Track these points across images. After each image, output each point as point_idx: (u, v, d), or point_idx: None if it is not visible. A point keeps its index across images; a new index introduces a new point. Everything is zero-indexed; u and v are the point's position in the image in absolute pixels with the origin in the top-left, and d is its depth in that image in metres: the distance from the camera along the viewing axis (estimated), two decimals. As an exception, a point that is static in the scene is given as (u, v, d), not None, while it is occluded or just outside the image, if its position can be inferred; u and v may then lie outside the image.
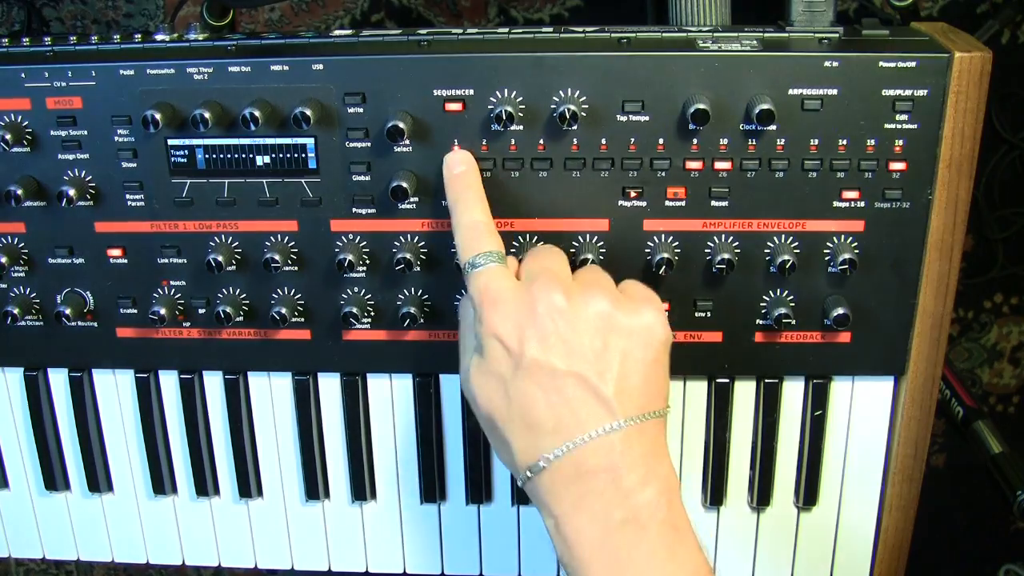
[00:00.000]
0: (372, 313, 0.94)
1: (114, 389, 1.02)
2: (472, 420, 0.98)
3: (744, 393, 0.97)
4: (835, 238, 0.89)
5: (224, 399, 1.01)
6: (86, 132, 0.89)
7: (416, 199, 0.89)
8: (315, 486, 1.03)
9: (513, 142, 0.87)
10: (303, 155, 0.88)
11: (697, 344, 0.93)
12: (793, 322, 0.90)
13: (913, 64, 0.82)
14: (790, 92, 0.84)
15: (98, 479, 1.05)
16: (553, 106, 0.85)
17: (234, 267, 0.93)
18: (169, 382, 1.01)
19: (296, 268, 0.93)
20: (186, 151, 0.89)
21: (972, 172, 0.86)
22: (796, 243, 0.89)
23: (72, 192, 0.89)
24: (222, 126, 0.87)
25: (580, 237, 0.90)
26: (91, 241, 0.93)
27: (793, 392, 0.97)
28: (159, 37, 0.91)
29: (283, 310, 0.92)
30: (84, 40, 0.91)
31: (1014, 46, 1.53)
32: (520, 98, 0.85)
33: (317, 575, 1.10)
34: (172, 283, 0.94)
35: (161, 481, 1.04)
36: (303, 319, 0.95)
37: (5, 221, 0.93)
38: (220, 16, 1.15)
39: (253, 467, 1.04)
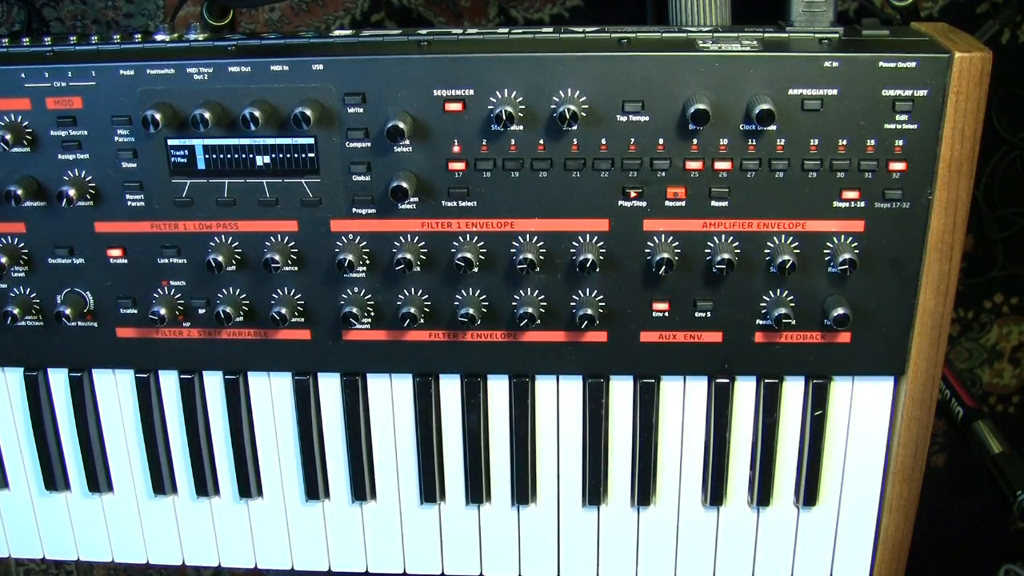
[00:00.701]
0: (372, 313, 0.94)
1: (114, 389, 1.02)
2: (472, 420, 0.98)
3: (744, 393, 0.97)
4: (835, 238, 0.89)
5: (224, 399, 1.01)
6: (86, 132, 0.89)
7: (416, 199, 0.89)
8: (315, 486, 1.03)
9: (513, 142, 0.87)
10: (303, 155, 0.88)
11: (697, 344, 0.93)
12: (793, 322, 0.90)
13: (913, 64, 0.82)
14: (790, 92, 0.84)
15: (98, 479, 1.05)
16: (553, 106, 0.85)
17: (234, 267, 0.93)
18: (169, 382, 1.01)
19: (296, 268, 0.93)
20: (186, 151, 0.89)
21: (972, 172, 0.86)
22: (796, 243, 0.89)
23: (72, 192, 0.89)
24: (222, 126, 0.87)
25: (580, 237, 0.90)
26: (91, 241, 0.93)
27: (793, 392, 0.97)
28: (159, 37, 0.91)
29: (283, 310, 0.92)
30: (84, 40, 0.91)
31: (1014, 46, 1.53)
32: (520, 98, 0.85)
33: (317, 575, 1.10)
34: (172, 283, 0.94)
35: (161, 481, 1.04)
36: (303, 319, 0.95)
37: (5, 221, 0.93)
38: (220, 16, 1.15)
39: (253, 467, 1.04)
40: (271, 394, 1.01)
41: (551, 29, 0.90)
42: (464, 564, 1.06)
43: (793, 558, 1.03)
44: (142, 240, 0.93)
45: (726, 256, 0.88)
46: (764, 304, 0.91)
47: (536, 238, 0.90)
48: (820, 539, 1.02)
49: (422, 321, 0.93)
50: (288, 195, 0.90)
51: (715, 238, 0.89)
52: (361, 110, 0.86)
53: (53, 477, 1.05)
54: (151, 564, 1.10)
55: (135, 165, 0.90)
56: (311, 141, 0.88)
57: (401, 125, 0.84)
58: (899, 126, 0.84)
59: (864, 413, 0.97)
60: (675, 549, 1.04)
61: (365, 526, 1.06)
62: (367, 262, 0.92)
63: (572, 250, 0.90)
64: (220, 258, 0.91)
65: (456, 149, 0.87)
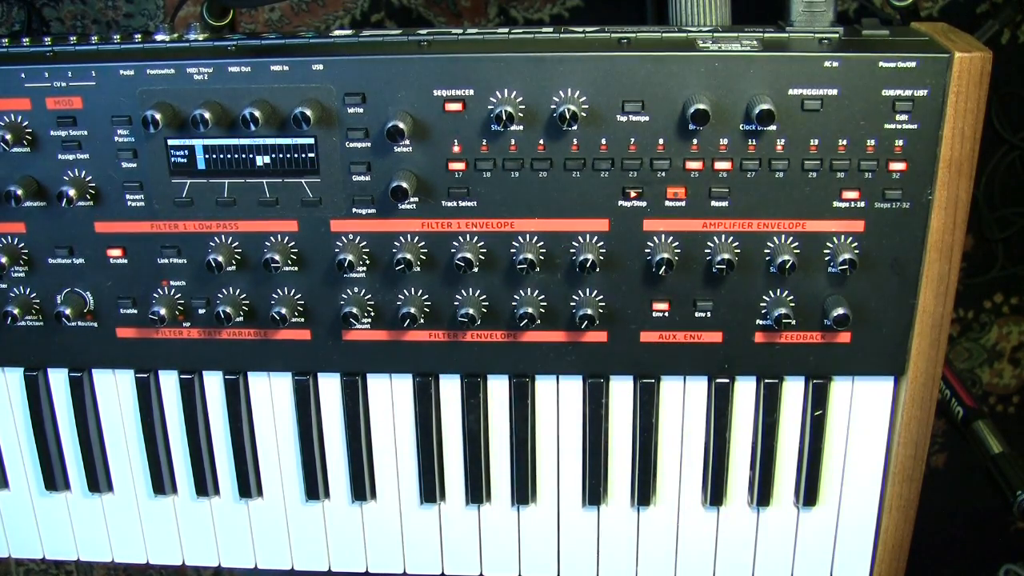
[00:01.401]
0: (372, 313, 0.94)
1: (114, 389, 1.02)
2: (472, 420, 0.98)
3: (744, 393, 0.97)
4: (835, 238, 0.89)
5: (224, 399, 1.01)
6: (86, 132, 0.89)
7: (416, 199, 0.89)
8: (315, 486, 1.03)
9: (513, 142, 0.87)
10: (303, 155, 0.88)
11: (697, 344, 0.93)
12: (793, 322, 0.90)
13: (913, 64, 0.82)
14: (790, 92, 0.84)
15: (98, 479, 1.05)
16: (553, 106, 0.85)
17: (234, 267, 0.93)
18: (169, 382, 1.01)
19: (296, 268, 0.93)
20: (186, 151, 0.89)
21: (972, 172, 0.86)
22: (796, 243, 0.89)
23: (72, 192, 0.89)
24: (222, 126, 0.87)
25: (580, 237, 0.90)
26: (91, 241, 0.93)
27: (793, 392, 0.97)
28: (159, 37, 0.91)
29: (283, 310, 0.92)
30: (84, 40, 0.91)
31: (1014, 46, 1.53)
32: (520, 98, 0.85)
33: (317, 575, 1.10)
34: (172, 283, 0.94)
35: (161, 481, 1.04)
36: (303, 319, 0.95)
37: (5, 221, 0.93)
38: (220, 16, 1.15)
39: (253, 467, 1.04)
40: (271, 394, 1.01)
41: (551, 29, 0.90)
42: (464, 564, 1.06)
43: (793, 558, 1.03)
44: (142, 240, 0.93)
45: (726, 256, 0.88)
46: (764, 304, 0.91)
47: (536, 238, 0.90)
48: (820, 539, 1.02)
49: (422, 321, 0.93)
50: (288, 195, 0.90)
51: (715, 238, 0.89)
52: (361, 110, 0.86)
53: (53, 477, 1.05)
54: (151, 564, 1.10)
55: (135, 165, 0.90)
56: (311, 141, 0.88)
57: (401, 125, 0.84)
58: (899, 126, 0.84)
59: (864, 413, 0.97)
60: (675, 549, 1.04)
61: (365, 526, 1.06)
62: (367, 262, 0.92)
63: (572, 250, 0.90)
64: (220, 258, 0.91)
65: (456, 149, 0.87)
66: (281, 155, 0.89)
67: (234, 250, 0.92)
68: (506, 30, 0.90)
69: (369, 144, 0.88)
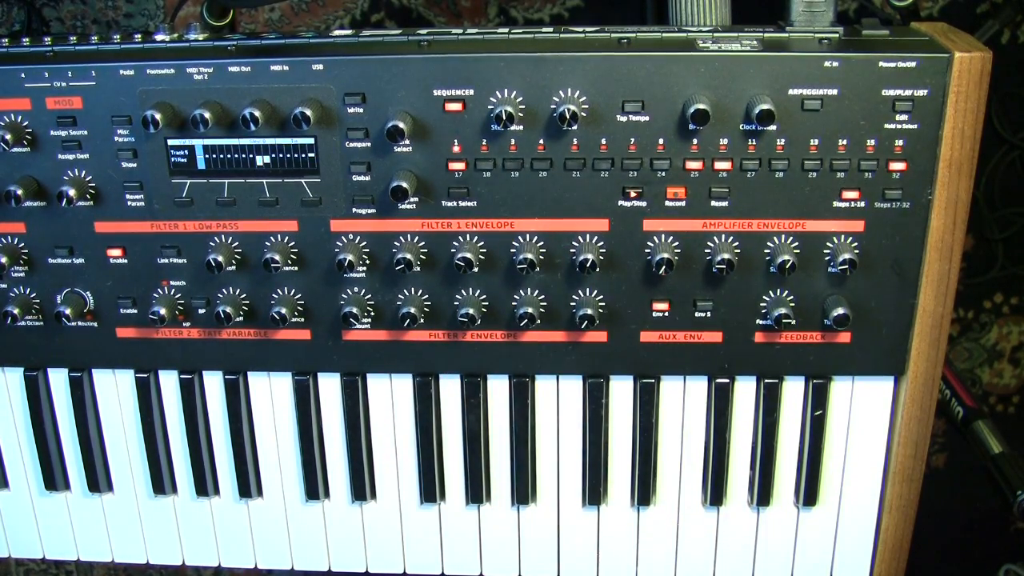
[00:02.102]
0: (372, 313, 0.94)
1: (114, 389, 1.02)
2: (472, 420, 0.99)
3: (744, 393, 0.97)
4: (835, 238, 0.89)
5: (224, 399, 1.01)
6: (86, 132, 0.89)
7: (416, 199, 0.89)
8: (315, 486, 1.03)
9: (513, 142, 0.87)
10: (303, 155, 0.88)
11: (697, 344, 0.93)
12: (793, 322, 0.90)
13: (913, 64, 0.82)
14: (790, 92, 0.84)
15: (98, 479, 1.05)
16: (553, 106, 0.85)
17: (234, 267, 0.93)
18: (169, 382, 1.01)
19: (296, 268, 0.93)
20: (186, 151, 0.89)
21: (972, 172, 0.86)
22: (796, 243, 0.89)
23: (72, 192, 0.89)
24: (222, 126, 0.87)
25: (580, 237, 0.90)
26: (91, 241, 0.93)
27: (793, 392, 0.97)
28: (159, 37, 0.91)
29: (283, 310, 0.92)
30: (84, 40, 0.91)
31: (1014, 46, 1.53)
32: (520, 98, 0.85)
33: (317, 575, 1.10)
34: (172, 283, 0.94)
35: (161, 481, 1.04)
36: (303, 319, 0.95)
37: (5, 221, 0.93)
38: (220, 16, 1.15)
39: (253, 467, 1.04)
40: (271, 394, 1.01)
41: (551, 29, 0.90)
42: (464, 564, 1.06)
43: (793, 558, 1.03)
44: (142, 240, 0.93)
45: (726, 256, 0.88)
46: (764, 304, 0.91)
47: (536, 238, 0.90)
48: (820, 539, 1.02)
49: (422, 321, 0.93)
50: (288, 195, 0.90)
51: (715, 238, 0.89)
52: (361, 110, 0.86)
53: (53, 477, 1.05)
54: (151, 564, 1.10)
55: (135, 165, 0.90)
56: (311, 141, 0.88)
57: (401, 125, 0.84)
58: (899, 126, 0.84)
59: (864, 413, 0.97)
60: (675, 549, 1.04)
61: (365, 526, 1.06)
62: (367, 262, 0.92)
63: (572, 250, 0.90)
64: (220, 258, 0.91)
65: (456, 149, 0.87)
66: (281, 155, 0.89)
67: (234, 250, 0.92)
68: (506, 30, 0.90)
69: (369, 144, 0.88)
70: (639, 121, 0.85)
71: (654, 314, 0.92)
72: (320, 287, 0.93)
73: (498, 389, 0.99)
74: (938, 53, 0.82)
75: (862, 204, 0.87)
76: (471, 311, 0.92)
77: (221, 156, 0.89)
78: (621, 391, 0.98)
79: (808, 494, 0.99)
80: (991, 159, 1.59)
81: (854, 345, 0.93)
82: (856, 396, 0.96)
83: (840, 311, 0.89)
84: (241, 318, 0.94)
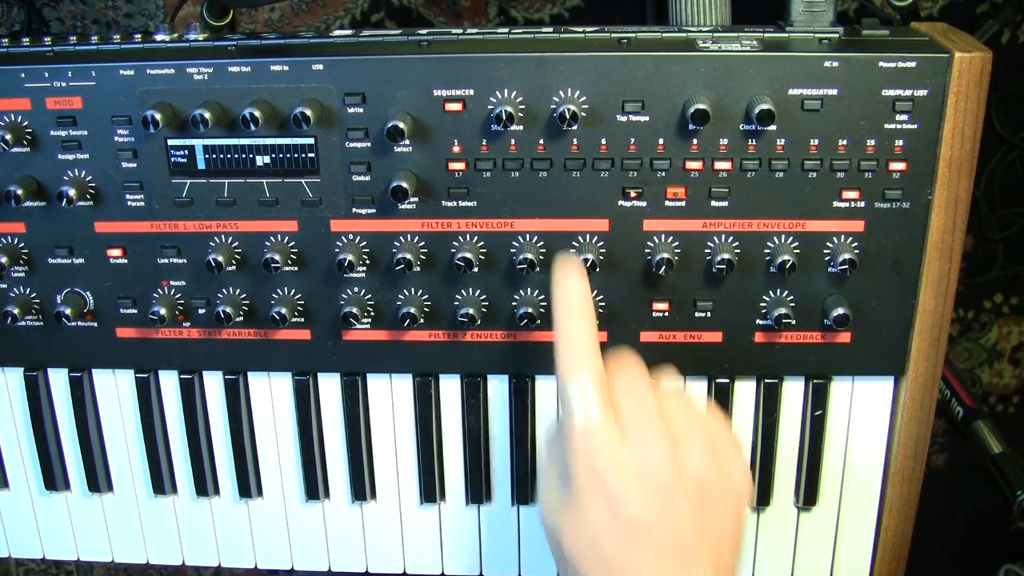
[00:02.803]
0: (372, 313, 0.94)
1: (114, 389, 1.02)
2: (472, 420, 0.99)
3: (744, 393, 0.97)
4: (835, 238, 0.89)
5: (224, 399, 1.01)
6: (86, 132, 0.89)
7: (416, 199, 0.89)
8: (315, 486, 1.03)
9: (513, 142, 0.87)
10: (303, 155, 0.89)
11: (697, 344, 0.93)
12: (793, 322, 0.90)
13: (913, 64, 0.82)
14: (790, 92, 0.84)
15: (98, 479, 1.05)
16: (553, 106, 0.85)
17: (234, 267, 0.93)
18: (169, 382, 1.01)
19: (296, 268, 0.93)
20: (186, 151, 0.89)
21: (972, 172, 0.86)
22: (796, 243, 0.89)
23: (72, 192, 0.89)
24: (222, 126, 0.87)
25: (580, 237, 0.90)
26: (91, 241, 0.93)
27: (793, 392, 0.97)
28: (159, 37, 0.91)
29: (283, 310, 0.92)
30: (84, 40, 0.91)
31: (1014, 46, 1.53)
32: (520, 98, 0.85)
33: (317, 575, 1.10)
34: (172, 283, 0.94)
35: (161, 481, 1.04)
36: (303, 319, 0.95)
37: (5, 221, 0.93)
38: (220, 16, 1.15)
39: (253, 467, 1.04)
40: (271, 394, 1.01)
41: (551, 29, 0.90)
42: (464, 564, 1.06)
43: (793, 558, 1.03)
44: (142, 240, 0.93)
45: (726, 256, 0.88)
46: (764, 304, 0.91)
47: (536, 238, 0.90)
48: (820, 539, 1.02)
49: (422, 321, 0.93)
50: (288, 195, 0.90)
51: (715, 238, 0.89)
52: (361, 110, 0.86)
53: (53, 477, 1.06)
54: (151, 564, 1.10)
55: (135, 165, 0.90)
56: (311, 141, 0.88)
57: (401, 125, 0.84)
58: (899, 126, 0.84)
59: (864, 413, 0.97)
60: (675, 549, 1.03)
61: (365, 526, 1.06)
62: (367, 262, 0.92)
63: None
64: (220, 258, 0.91)
65: (456, 149, 0.87)
66: (281, 155, 0.89)
67: (234, 250, 0.92)
68: (506, 30, 0.90)
69: (369, 144, 0.88)
70: (639, 121, 0.85)
71: (654, 314, 0.92)
72: (320, 287, 0.93)
73: (498, 389, 0.99)
74: (938, 53, 0.82)
75: (862, 204, 0.87)
76: (471, 311, 0.92)
77: (221, 156, 0.89)
78: (621, 391, 0.98)
79: (808, 494, 0.99)
80: (991, 159, 1.60)
81: (854, 345, 0.93)
82: (856, 396, 0.96)
83: (840, 311, 0.89)
84: (241, 318, 0.94)
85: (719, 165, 0.86)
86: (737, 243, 0.89)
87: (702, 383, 0.97)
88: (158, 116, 0.85)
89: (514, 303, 0.93)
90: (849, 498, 1.00)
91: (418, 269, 0.91)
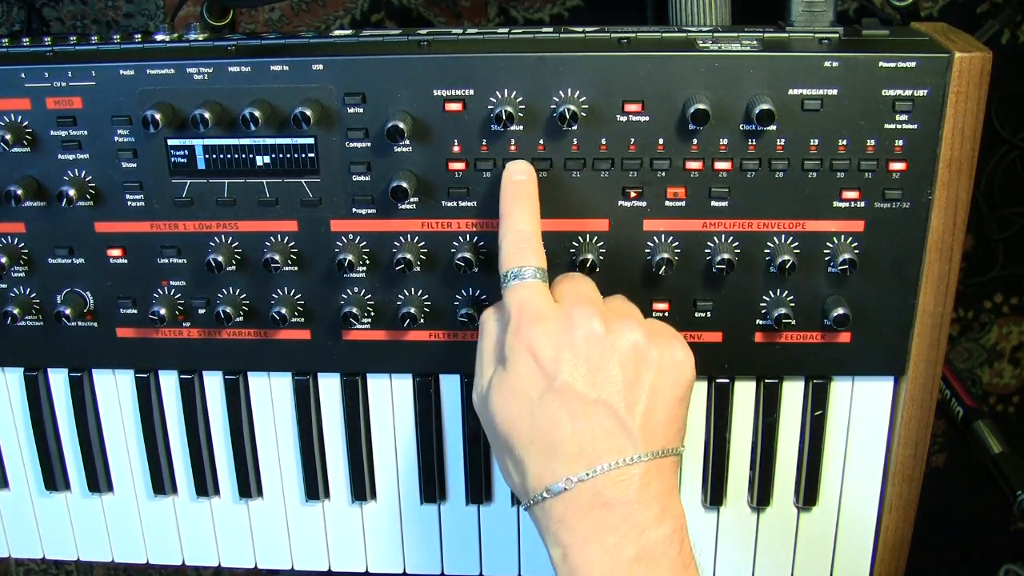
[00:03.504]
0: (372, 313, 0.94)
1: (114, 389, 1.02)
2: (472, 420, 0.98)
3: (744, 393, 0.97)
4: (835, 238, 0.89)
5: (224, 399, 1.01)
6: (86, 132, 0.89)
7: (416, 199, 0.89)
8: (315, 486, 1.03)
9: (513, 142, 0.87)
10: (303, 155, 0.88)
11: (697, 344, 0.93)
12: (793, 322, 0.90)
13: (913, 64, 0.82)
14: (790, 92, 0.84)
15: (98, 479, 1.05)
16: (553, 106, 0.85)
17: (234, 267, 0.93)
18: (169, 382, 1.01)
19: (296, 268, 0.93)
20: (186, 151, 0.89)
21: (972, 172, 0.86)
22: (796, 243, 0.89)
23: (72, 192, 0.89)
24: (222, 126, 0.87)
25: (580, 237, 0.90)
26: (91, 241, 0.93)
27: (793, 392, 0.97)
28: (159, 37, 0.91)
29: (283, 310, 0.92)
30: (84, 40, 0.91)
31: (1014, 46, 1.53)
32: (520, 98, 0.85)
33: (317, 575, 1.10)
34: (172, 283, 0.94)
35: (161, 481, 1.04)
36: (303, 319, 0.95)
37: (5, 221, 0.93)
38: (220, 16, 1.15)
39: (253, 467, 1.04)
40: (271, 394, 1.01)
41: (551, 29, 0.90)
42: (464, 564, 1.06)
43: (793, 558, 1.03)
44: (142, 240, 0.93)
45: (726, 256, 0.88)
46: (764, 304, 0.91)
47: (536, 238, 0.90)
48: (820, 539, 1.02)
49: (422, 321, 0.93)
50: (288, 195, 0.90)
51: (715, 238, 0.89)
52: (361, 110, 0.86)
53: (53, 477, 1.06)
54: (151, 564, 1.10)
55: (135, 165, 0.90)
56: (311, 141, 0.88)
57: (401, 125, 0.84)
58: (899, 126, 0.84)
59: (864, 413, 0.97)
60: (675, 549, 1.03)
61: (365, 526, 1.06)
62: (367, 262, 0.92)
63: (572, 250, 0.90)
64: (220, 258, 0.91)
65: (456, 149, 0.87)
66: (281, 155, 0.89)
67: (234, 250, 0.92)
68: (506, 30, 0.90)
69: (369, 144, 0.88)
70: (639, 121, 0.85)
71: (654, 314, 0.92)
72: (320, 287, 0.93)
73: (498, 389, 0.99)
74: (938, 53, 0.82)
75: (862, 204, 0.87)
76: (471, 311, 0.92)
77: (221, 156, 0.89)
78: (621, 391, 0.98)
79: (808, 494, 0.99)
80: (991, 159, 1.59)
81: (854, 345, 0.93)
82: (856, 396, 0.96)
83: (840, 311, 0.89)
84: (241, 318, 0.94)
85: (719, 165, 0.86)
86: (737, 243, 0.89)
87: (702, 383, 0.97)
88: (158, 116, 0.85)
89: (514, 303, 0.92)
90: (849, 498, 1.00)
91: (418, 269, 0.91)
